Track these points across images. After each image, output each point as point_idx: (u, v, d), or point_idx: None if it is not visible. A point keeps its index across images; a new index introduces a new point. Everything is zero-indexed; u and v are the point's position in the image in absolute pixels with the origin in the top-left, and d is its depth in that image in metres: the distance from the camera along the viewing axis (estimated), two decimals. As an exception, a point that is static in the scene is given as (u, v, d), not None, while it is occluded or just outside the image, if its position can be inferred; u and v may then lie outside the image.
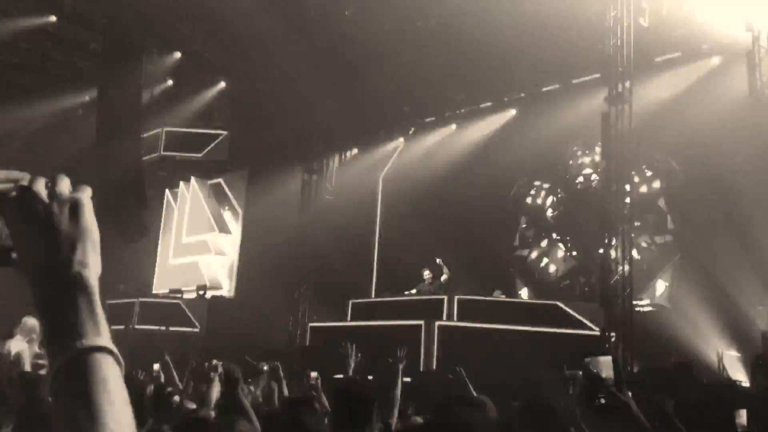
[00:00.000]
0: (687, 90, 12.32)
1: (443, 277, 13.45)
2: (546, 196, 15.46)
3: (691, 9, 12.08)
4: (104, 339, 0.90)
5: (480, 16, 12.93)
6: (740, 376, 10.05)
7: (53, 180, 0.98)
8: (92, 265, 0.94)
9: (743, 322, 10.51)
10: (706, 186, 11.72)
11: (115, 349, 0.90)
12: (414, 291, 13.50)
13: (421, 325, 11.95)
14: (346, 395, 3.30)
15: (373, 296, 16.14)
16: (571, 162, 15.21)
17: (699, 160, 11.76)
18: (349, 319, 13.86)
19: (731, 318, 10.70)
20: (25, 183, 0.96)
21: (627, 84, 12.00)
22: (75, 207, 0.96)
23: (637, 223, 12.23)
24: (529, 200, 15.64)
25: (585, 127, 13.20)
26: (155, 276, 20.26)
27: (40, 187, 0.96)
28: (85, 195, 0.98)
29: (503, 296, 13.43)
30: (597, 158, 14.03)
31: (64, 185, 0.98)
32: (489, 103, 15.55)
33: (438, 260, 13.49)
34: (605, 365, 3.54)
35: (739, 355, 10.57)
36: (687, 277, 11.13)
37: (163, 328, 16.20)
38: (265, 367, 7.28)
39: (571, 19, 12.93)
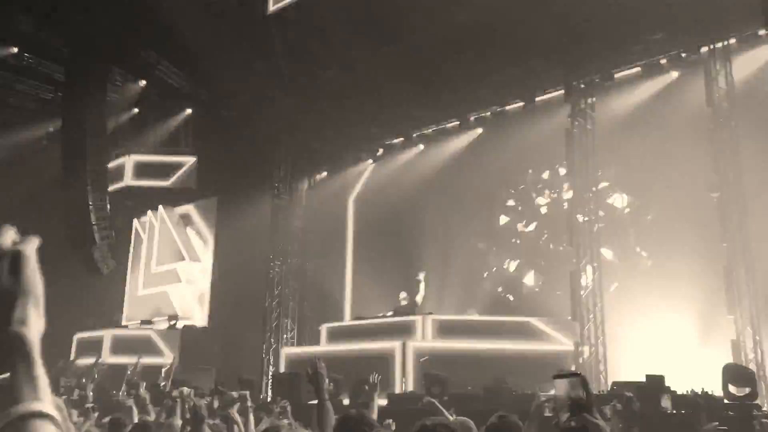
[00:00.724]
0: (647, 104, 12.56)
1: (418, 297, 13.43)
2: (515, 213, 15.57)
3: (648, 25, 12.34)
4: (44, 403, 0.84)
5: (443, 38, 13.07)
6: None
7: None
8: (33, 323, 0.88)
9: (714, 330, 10.65)
10: (668, 198, 11.91)
11: (55, 414, 0.85)
12: (391, 313, 13.45)
13: (395, 347, 11.92)
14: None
15: (347, 320, 16.06)
16: (538, 178, 15.36)
17: (660, 171, 11.96)
18: (323, 343, 13.75)
19: (702, 327, 10.83)
20: None
21: (589, 100, 12.24)
22: (15, 261, 0.89)
23: (605, 238, 12.36)
24: (498, 217, 15.73)
25: (550, 143, 13.38)
26: (125, 307, 19.94)
27: None
28: (29, 247, 0.91)
29: (476, 314, 13.46)
30: (564, 173, 14.21)
31: (6, 237, 0.91)
32: (455, 122, 15.68)
33: (420, 275, 13.47)
34: (574, 385, 3.52)
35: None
36: (655, 289, 11.25)
37: (135, 360, 15.91)
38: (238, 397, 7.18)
39: (533, 38, 13.15)
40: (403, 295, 13.41)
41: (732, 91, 11.34)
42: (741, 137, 10.80)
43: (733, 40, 11.66)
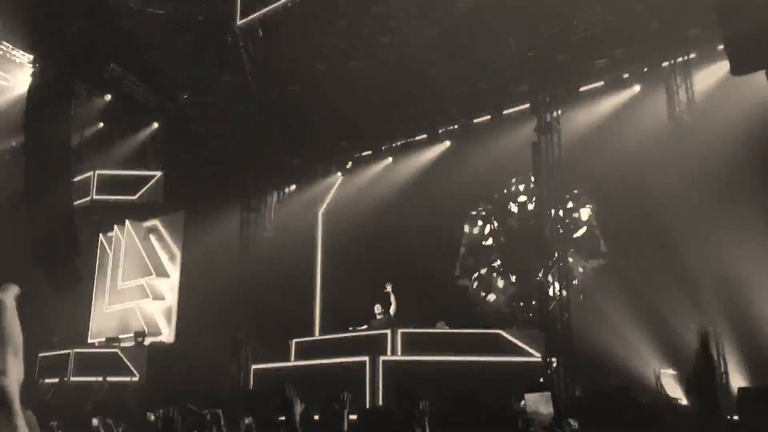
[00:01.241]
0: (611, 117, 12.77)
1: (391, 309, 13.41)
2: (483, 225, 15.68)
3: (611, 40, 12.57)
4: None
5: (410, 51, 13.17)
6: (678, 394, 10.33)
7: None
8: (12, 372, 0.87)
9: (677, 340, 10.81)
10: (633, 209, 12.10)
11: None
12: (365, 327, 13.39)
13: (365, 362, 11.90)
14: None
15: (316, 334, 15.99)
16: (506, 190, 15.50)
17: (625, 183, 12.15)
18: (292, 358, 13.67)
19: (666, 337, 10.99)
20: None
21: (555, 114, 12.41)
22: None
23: (572, 249, 12.49)
24: (467, 229, 15.82)
25: (517, 156, 13.51)
26: (90, 324, 19.60)
27: None
28: (8, 296, 0.92)
29: (447, 327, 13.48)
30: (531, 186, 14.36)
31: None
32: (424, 136, 15.76)
33: (388, 287, 13.44)
34: (544, 400, 3.58)
35: (675, 373, 10.85)
36: (620, 299, 11.41)
37: (101, 378, 15.65)
38: (209, 416, 7.10)
39: (500, 52, 13.31)
40: (378, 308, 13.38)
41: (692, 104, 11.59)
42: (701, 150, 11.02)
43: (693, 55, 11.92)
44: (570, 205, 13.67)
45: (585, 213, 13.89)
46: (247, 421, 7.11)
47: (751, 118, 10.35)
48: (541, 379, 10.81)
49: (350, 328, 13.45)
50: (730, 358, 10.44)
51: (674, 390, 10.54)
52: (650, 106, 12.19)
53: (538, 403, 3.75)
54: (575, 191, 13.84)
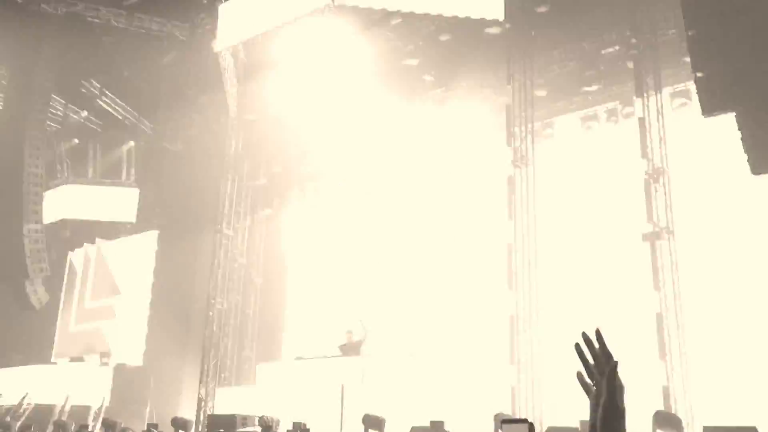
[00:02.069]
0: (585, 152, 12.95)
1: (361, 335, 13.32)
2: (454, 255, 15.68)
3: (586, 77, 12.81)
4: None
5: (385, 81, 13.29)
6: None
7: None
8: None
9: (643, 377, 10.86)
10: (604, 245, 12.21)
11: None
12: (337, 350, 13.26)
13: (335, 389, 11.80)
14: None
15: (285, 358, 15.83)
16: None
17: (598, 218, 12.28)
18: (259, 383, 13.50)
19: (632, 374, 11.02)
20: None
21: (530, 147, 12.55)
22: None
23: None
24: (442, 258, 15.81)
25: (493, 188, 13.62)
26: (55, 343, 19.21)
27: None
28: None
29: (416, 354, 13.41)
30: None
31: None
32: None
33: (359, 320, 13.36)
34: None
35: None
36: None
37: (63, 399, 15.29)
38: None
39: (478, 83, 13.50)
40: (348, 331, 13.30)
41: (664, 143, 11.79)
42: (673, 188, 11.20)
43: (666, 93, 12.16)
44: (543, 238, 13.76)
45: (559, 247, 13.98)
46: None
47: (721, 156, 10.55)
48: (510, 412, 10.78)
49: (327, 353, 13.20)
50: (695, 396, 10.50)
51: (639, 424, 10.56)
52: (624, 143, 12.39)
53: None
54: (548, 225, 13.94)
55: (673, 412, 9.98)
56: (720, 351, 10.64)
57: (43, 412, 15.06)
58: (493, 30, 12.55)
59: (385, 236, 15.12)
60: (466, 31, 12.67)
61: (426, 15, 12.60)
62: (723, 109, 9.27)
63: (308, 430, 5.58)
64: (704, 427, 8.92)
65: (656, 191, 11.31)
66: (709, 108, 9.28)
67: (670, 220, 11.12)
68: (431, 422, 9.22)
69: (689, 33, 9.34)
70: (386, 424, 9.97)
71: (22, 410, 14.17)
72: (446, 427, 9.84)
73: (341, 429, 11.50)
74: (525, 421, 2.88)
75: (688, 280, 10.94)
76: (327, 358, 13.04)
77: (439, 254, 15.33)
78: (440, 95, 14.52)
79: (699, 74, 9.24)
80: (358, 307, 13.46)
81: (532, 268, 11.95)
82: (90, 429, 12.85)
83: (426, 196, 15.13)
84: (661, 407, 9.89)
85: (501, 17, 11.99)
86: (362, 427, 10.31)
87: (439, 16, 12.44)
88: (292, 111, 14.74)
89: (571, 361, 1.81)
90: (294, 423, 10.17)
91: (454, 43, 13.01)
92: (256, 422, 6.95)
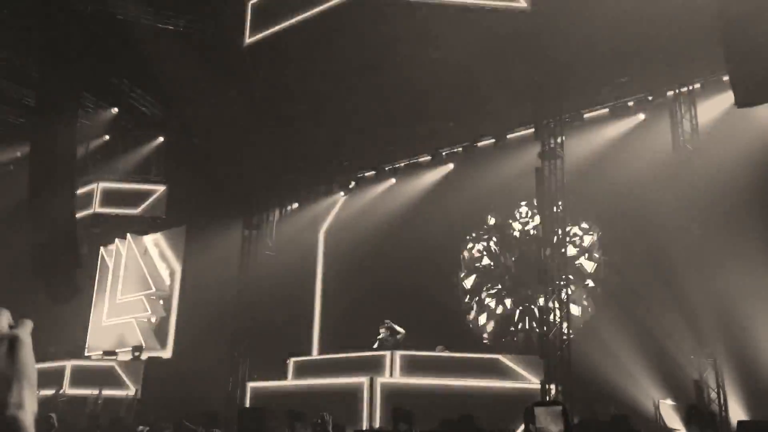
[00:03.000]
0: (615, 145, 12.79)
1: (399, 336, 13.33)
2: (484, 249, 15.64)
3: (617, 68, 12.62)
4: None
5: (416, 73, 13.22)
6: (677, 424, 10.24)
7: None
8: (28, 406, 0.91)
9: (677, 371, 10.75)
10: (635, 238, 12.08)
11: None
12: (376, 345, 13.29)
13: (363, 383, 11.83)
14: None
15: (315, 354, 15.91)
16: (508, 215, 15.47)
17: (627, 212, 12.14)
18: (290, 377, 13.59)
19: (666, 368, 10.93)
20: None
21: (559, 139, 12.43)
22: (12, 345, 0.93)
23: (571, 276, 12.45)
24: (466, 254, 15.78)
25: (520, 181, 13.53)
26: (88, 337, 19.53)
27: None
28: (25, 331, 0.96)
29: (446, 350, 13.41)
30: (533, 212, 14.36)
31: (2, 321, 0.95)
32: (427, 157, 15.80)
33: (386, 323, 13.38)
34: (555, 416, 3.44)
35: (674, 404, 10.77)
36: (621, 329, 11.35)
37: (96, 392, 15.53)
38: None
39: (505, 76, 13.36)
40: (382, 330, 13.32)
41: (696, 135, 11.62)
42: (705, 180, 11.03)
43: (698, 85, 11.97)
44: (572, 231, 13.66)
45: (587, 240, 13.87)
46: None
47: (755, 150, 10.37)
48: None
49: (374, 347, 13.15)
50: (730, 391, 10.36)
51: (673, 420, 10.45)
52: (654, 135, 12.22)
53: (547, 419, 3.58)
54: (579, 219, 13.84)
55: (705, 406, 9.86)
56: (751, 345, 10.47)
57: (76, 404, 15.32)
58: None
59: (414, 228, 15.11)
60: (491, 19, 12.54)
61: (451, 3, 12.49)
62: (758, 101, 9.10)
63: (338, 424, 5.60)
64: (738, 422, 8.81)
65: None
66: (744, 100, 9.12)
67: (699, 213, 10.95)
68: (460, 416, 9.19)
69: (724, 20, 9.16)
70: (416, 417, 9.99)
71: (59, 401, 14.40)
72: (475, 422, 9.83)
73: (371, 422, 11.54)
74: (559, 403, 2.82)
75: (721, 272, 10.76)
76: (358, 352, 13.09)
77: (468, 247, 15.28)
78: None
79: (733, 64, 9.07)
80: (390, 300, 13.47)
81: (561, 262, 11.86)
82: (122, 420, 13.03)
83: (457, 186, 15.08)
84: (694, 402, 9.78)
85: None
86: (392, 420, 10.34)
87: (464, 4, 12.31)
88: (318, 104, 14.76)
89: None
90: (323, 415, 10.22)
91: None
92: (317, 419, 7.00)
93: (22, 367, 0.93)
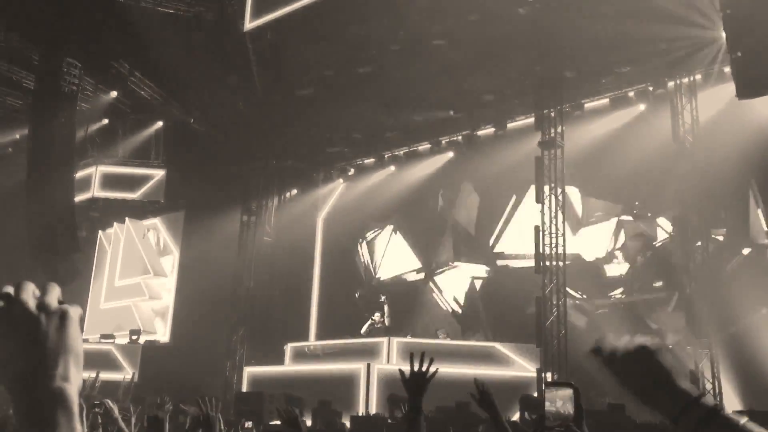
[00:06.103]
0: (615, 135, 12.79)
1: (385, 318, 13.39)
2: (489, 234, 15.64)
3: (618, 58, 12.61)
4: None
5: (417, 61, 13.20)
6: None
7: (43, 289, 0.98)
8: (74, 379, 0.94)
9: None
10: (631, 227, 12.10)
11: None
12: (364, 331, 13.35)
13: (360, 369, 11.87)
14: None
15: (312, 339, 15.96)
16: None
17: (626, 201, 12.16)
18: (287, 363, 13.63)
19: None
20: (10, 291, 0.95)
21: (559, 129, 12.42)
22: (62, 320, 0.96)
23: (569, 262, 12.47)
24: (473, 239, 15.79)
25: (519, 169, 13.53)
26: (85, 320, 19.55)
27: (28, 296, 0.95)
28: (74, 310, 0.98)
29: (447, 336, 13.46)
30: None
31: (53, 296, 0.98)
32: (427, 145, 15.79)
33: (382, 297, 13.42)
34: (565, 398, 3.42)
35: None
36: (620, 319, 11.40)
37: (93, 375, 15.57)
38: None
39: (506, 65, 13.34)
40: (376, 316, 13.38)
41: (696, 126, 11.61)
42: (703, 171, 11.04)
43: (698, 76, 11.96)
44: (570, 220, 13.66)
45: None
46: (248, 425, 7.10)
47: (755, 141, 10.38)
48: (536, 394, 10.78)
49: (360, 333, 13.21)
50: (725, 381, 10.41)
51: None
52: (654, 125, 12.22)
53: (557, 401, 3.58)
54: (575, 207, 13.83)
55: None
56: (746, 335, 10.52)
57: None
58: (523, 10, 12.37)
59: (413, 213, 15.12)
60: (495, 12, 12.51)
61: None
62: (759, 92, 9.10)
63: (334, 409, 5.63)
64: (733, 412, 8.85)
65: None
66: (745, 91, 9.11)
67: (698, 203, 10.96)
68: (457, 403, 9.25)
69: (726, 11, 9.15)
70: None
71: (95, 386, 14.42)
72: (472, 409, 9.88)
73: (367, 409, 11.59)
74: (570, 384, 2.79)
75: (717, 262, 10.80)
76: (354, 338, 13.14)
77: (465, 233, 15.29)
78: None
79: (735, 55, 9.05)
80: (386, 286, 13.50)
81: (560, 251, 11.88)
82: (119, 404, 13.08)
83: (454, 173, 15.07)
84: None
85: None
86: (388, 406, 10.40)
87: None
88: (319, 91, 14.72)
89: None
90: (319, 401, 10.27)
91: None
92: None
93: (70, 341, 0.95)
